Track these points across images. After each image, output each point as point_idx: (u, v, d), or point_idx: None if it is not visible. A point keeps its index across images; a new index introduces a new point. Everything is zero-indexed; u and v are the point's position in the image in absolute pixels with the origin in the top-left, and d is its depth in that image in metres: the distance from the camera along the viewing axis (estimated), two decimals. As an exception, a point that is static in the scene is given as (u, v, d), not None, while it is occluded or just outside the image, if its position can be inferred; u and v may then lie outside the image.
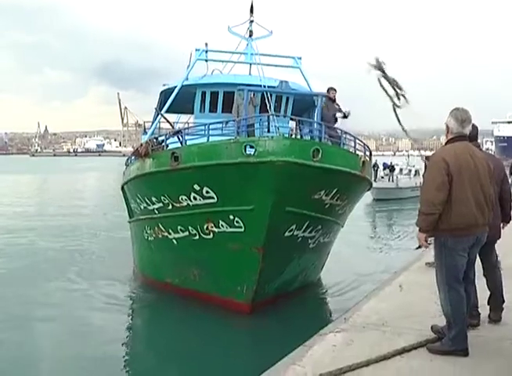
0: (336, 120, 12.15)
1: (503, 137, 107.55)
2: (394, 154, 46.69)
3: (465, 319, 5.17)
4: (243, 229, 9.56)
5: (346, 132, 11.05)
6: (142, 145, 11.09)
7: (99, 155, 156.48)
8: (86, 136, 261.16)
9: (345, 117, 12.26)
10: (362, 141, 11.80)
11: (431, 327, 5.61)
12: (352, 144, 11.01)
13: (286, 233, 9.81)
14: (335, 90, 12.43)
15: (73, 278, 13.41)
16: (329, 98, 12.19)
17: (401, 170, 39.19)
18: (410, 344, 5.31)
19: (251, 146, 9.05)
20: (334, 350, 5.40)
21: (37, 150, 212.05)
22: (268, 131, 11.16)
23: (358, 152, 11.02)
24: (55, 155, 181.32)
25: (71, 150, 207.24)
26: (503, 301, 6.18)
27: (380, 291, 7.98)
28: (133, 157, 12.50)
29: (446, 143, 5.39)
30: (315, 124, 11.49)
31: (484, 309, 6.02)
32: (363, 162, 10.62)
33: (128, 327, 10.27)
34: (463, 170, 5.07)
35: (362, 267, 14.39)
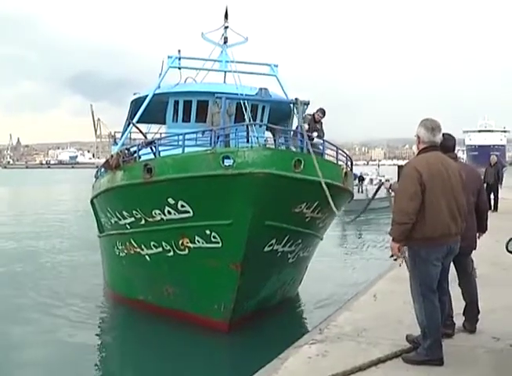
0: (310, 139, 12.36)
1: (474, 146, 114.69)
2: (368, 164, 47.35)
3: (439, 329, 5.50)
4: (220, 245, 9.60)
5: (328, 142, 11.23)
6: (112, 156, 11.13)
7: (73, 167, 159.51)
8: (59, 148, 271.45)
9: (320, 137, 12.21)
10: (343, 151, 11.99)
11: (406, 337, 5.94)
12: (333, 154, 11.17)
13: (266, 248, 9.89)
14: (323, 113, 12.67)
15: (38, 297, 13.46)
16: (314, 118, 12.45)
17: (371, 180, 39.60)
18: (385, 354, 5.63)
19: (229, 157, 9.06)
20: (309, 362, 5.69)
21: (9, 162, 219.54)
22: (248, 141, 11.26)
23: (339, 162, 11.18)
24: (27, 167, 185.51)
25: (44, 162, 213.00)
26: (479, 312, 6.50)
27: (354, 302, 8.33)
28: (103, 169, 12.54)
29: (418, 153, 5.73)
30: (295, 134, 11.50)
31: (458, 318, 6.36)
32: (345, 173, 10.80)
33: (99, 347, 10.33)
34: (436, 179, 5.40)
35: (338, 279, 14.83)
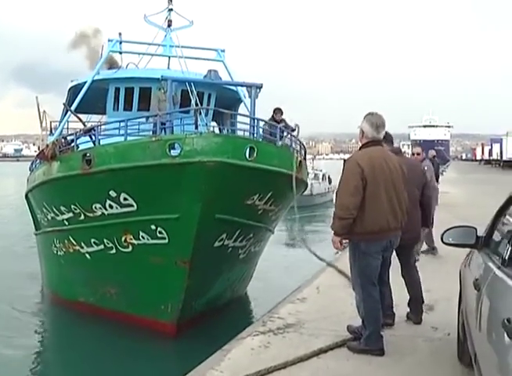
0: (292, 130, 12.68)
1: (419, 140, 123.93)
2: (315, 158, 47.97)
3: (379, 320, 6.17)
4: (166, 241, 9.73)
5: (282, 128, 11.42)
6: (48, 146, 11.13)
7: (18, 160, 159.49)
8: (3, 141, 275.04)
9: (293, 130, 12.73)
10: (297, 138, 12.29)
11: (347, 328, 6.64)
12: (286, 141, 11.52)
13: (216, 244, 10.08)
14: (281, 112, 13.14)
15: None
16: (275, 120, 12.85)
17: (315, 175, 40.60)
18: (327, 345, 6.29)
19: (176, 145, 9.06)
20: (252, 353, 6.30)
21: None
22: (196, 128, 11.23)
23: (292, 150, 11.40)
24: None
25: None
26: (423, 303, 7.25)
27: (297, 294, 8.99)
28: (38, 161, 12.65)
29: (361, 148, 6.35)
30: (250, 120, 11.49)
31: (398, 309, 7.11)
32: (300, 162, 11.07)
33: (36, 353, 10.60)
34: (378, 174, 6.00)
35: (284, 274, 15.53)
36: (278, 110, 13.14)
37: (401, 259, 7.21)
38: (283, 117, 13.33)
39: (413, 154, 12.71)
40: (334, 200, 6.24)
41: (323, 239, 21.04)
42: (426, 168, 12.23)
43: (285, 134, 11.78)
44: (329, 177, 42.65)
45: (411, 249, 7.33)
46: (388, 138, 7.02)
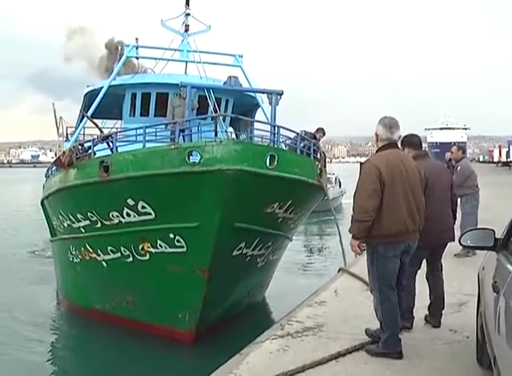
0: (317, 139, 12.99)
1: (436, 143, 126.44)
2: (331, 161, 48.10)
3: (397, 323, 6.37)
4: (185, 250, 9.81)
5: (302, 136, 11.54)
6: (64, 153, 11.27)
7: (35, 166, 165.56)
8: (21, 147, 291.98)
9: (314, 138, 12.94)
10: (318, 146, 12.46)
11: (365, 331, 6.84)
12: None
13: (235, 252, 10.17)
14: (323, 133, 13.38)
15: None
16: (314, 137, 13.07)
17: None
18: (345, 348, 6.50)
19: (196, 153, 9.12)
20: (270, 357, 6.52)
21: None
22: (216, 135, 11.45)
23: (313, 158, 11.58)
24: None
25: (5, 162, 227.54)
26: (443, 307, 7.40)
27: (315, 297, 9.20)
28: (54, 168, 12.84)
29: (377, 151, 6.57)
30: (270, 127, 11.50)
31: (417, 312, 7.29)
32: (320, 170, 11.17)
33: (52, 361, 10.82)
34: (395, 177, 6.20)
35: (303, 278, 15.84)
36: (320, 130, 13.30)
37: (430, 260, 7.41)
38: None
39: (452, 153, 12.99)
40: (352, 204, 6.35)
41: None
42: (459, 168, 12.50)
43: (306, 142, 11.81)
44: (339, 180, 42.69)
45: (443, 250, 7.53)
46: (416, 141, 7.40)
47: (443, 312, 7.40)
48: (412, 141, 7.49)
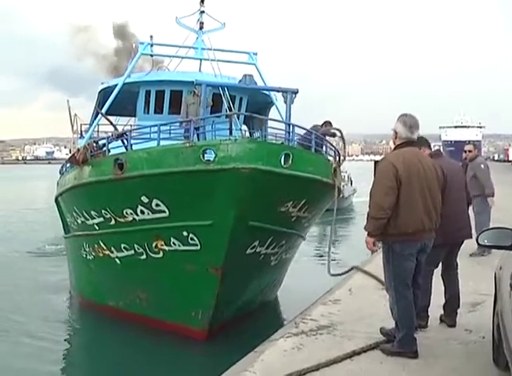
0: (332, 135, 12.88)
1: (450, 141, 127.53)
2: (344, 159, 47.43)
3: (413, 323, 6.39)
4: (198, 248, 9.85)
5: (317, 134, 11.52)
6: (78, 150, 11.33)
7: (49, 163, 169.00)
8: (35, 144, 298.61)
9: (333, 135, 12.92)
10: (332, 144, 12.45)
11: (380, 330, 6.86)
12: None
13: (248, 251, 10.22)
14: (331, 125, 13.10)
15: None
16: (333, 134, 12.96)
17: None
18: (360, 347, 6.53)
19: (210, 151, 9.12)
20: (285, 355, 6.56)
21: None
22: (230, 133, 11.33)
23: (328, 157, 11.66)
24: (3, 163, 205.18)
25: (20, 158, 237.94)
26: (459, 306, 7.41)
27: (329, 296, 9.26)
28: (69, 165, 12.94)
29: (395, 148, 6.58)
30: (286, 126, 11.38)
31: (432, 310, 7.30)
32: (335, 169, 11.19)
33: (66, 357, 10.95)
34: (412, 175, 6.22)
35: (317, 277, 15.42)
36: (328, 123, 13.13)
37: (446, 258, 7.42)
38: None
39: (465, 152, 12.95)
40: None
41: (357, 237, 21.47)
42: (483, 166, 12.48)
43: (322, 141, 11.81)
44: (351, 179, 42.72)
45: (459, 249, 7.58)
46: (425, 142, 7.46)
47: (458, 311, 7.41)
48: (427, 141, 7.60)
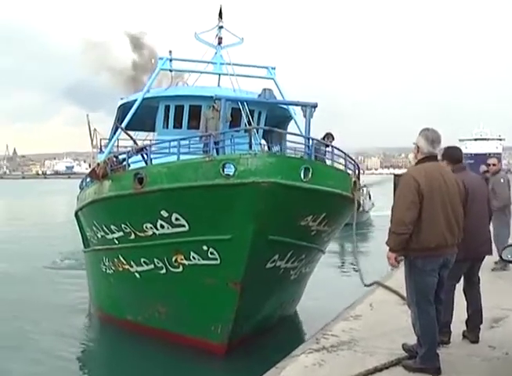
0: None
1: (470, 154, 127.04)
2: (363, 173, 47.40)
3: (436, 339, 6.36)
4: (218, 262, 9.83)
5: (336, 148, 11.52)
6: (98, 165, 11.38)
7: (69, 177, 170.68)
8: (55, 158, 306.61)
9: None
10: (351, 158, 12.30)
11: (402, 346, 6.83)
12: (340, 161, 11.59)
13: (268, 265, 10.18)
14: (333, 137, 13.19)
15: (15, 319, 13.96)
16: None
17: None
18: (382, 363, 6.50)
19: (230, 165, 9.12)
20: (306, 371, 6.56)
21: (5, 173, 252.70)
22: (250, 148, 11.37)
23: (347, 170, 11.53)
24: (23, 178, 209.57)
25: (40, 173, 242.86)
26: (481, 322, 7.34)
27: (351, 311, 9.25)
28: (89, 179, 12.97)
29: (417, 163, 6.57)
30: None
31: (455, 326, 7.26)
32: (354, 182, 11.14)
33: (84, 371, 11.00)
34: (434, 189, 6.22)
35: (336, 292, 15.63)
36: (329, 136, 13.16)
37: (468, 273, 7.39)
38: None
39: (488, 165, 12.90)
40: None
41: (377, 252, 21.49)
42: (502, 181, 12.41)
43: (339, 153, 11.70)
44: (369, 193, 42.58)
45: (481, 263, 7.53)
46: (456, 155, 7.55)
47: (481, 327, 7.35)
48: (453, 155, 7.55)
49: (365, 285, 10.68)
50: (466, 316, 7.37)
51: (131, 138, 13.64)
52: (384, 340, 7.44)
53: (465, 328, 7.39)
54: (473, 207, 6.86)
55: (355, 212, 11.14)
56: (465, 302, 7.39)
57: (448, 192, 6.27)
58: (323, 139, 13.07)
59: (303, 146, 11.12)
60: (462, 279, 7.35)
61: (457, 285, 7.27)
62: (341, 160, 11.63)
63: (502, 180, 12.50)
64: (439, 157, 6.91)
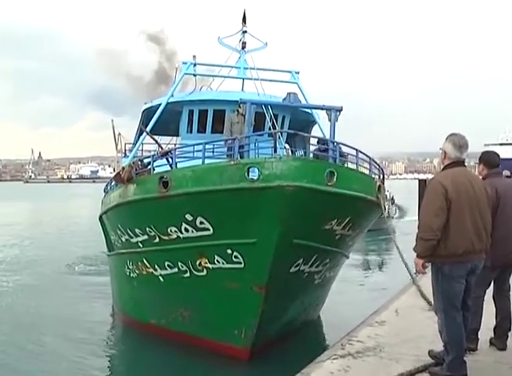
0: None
1: None
2: (388, 178, 47.00)
3: (463, 346, 6.32)
4: (242, 266, 9.83)
5: (361, 152, 11.43)
6: (123, 169, 11.43)
7: (94, 181, 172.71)
8: (80, 162, 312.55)
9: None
10: (376, 162, 12.36)
11: (429, 352, 6.79)
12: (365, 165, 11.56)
13: (292, 269, 10.17)
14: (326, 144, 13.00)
15: (39, 321, 14.20)
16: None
17: None
18: (408, 370, 6.48)
19: (255, 169, 9.14)
20: (332, 377, 6.47)
21: (30, 177, 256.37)
22: (275, 152, 11.43)
23: (372, 174, 11.52)
24: (49, 182, 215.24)
25: (65, 177, 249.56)
26: (510, 329, 7.26)
27: (376, 317, 9.22)
28: (113, 183, 13.11)
29: (444, 168, 6.53)
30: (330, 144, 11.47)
31: (482, 333, 7.20)
32: (379, 186, 11.06)
33: (107, 375, 11.05)
34: (462, 195, 6.18)
35: (361, 297, 15.70)
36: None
37: (498, 280, 7.34)
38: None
39: None
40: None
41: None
42: None
43: (364, 157, 11.68)
44: (392, 197, 42.34)
45: (511, 270, 7.44)
46: (493, 161, 7.47)
47: (509, 334, 7.27)
48: (490, 159, 7.50)
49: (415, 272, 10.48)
50: (493, 324, 7.31)
51: (156, 142, 13.68)
52: (409, 346, 7.42)
53: (492, 335, 7.33)
54: (504, 213, 6.80)
55: (388, 210, 11.06)
56: (493, 309, 7.33)
57: (476, 197, 6.23)
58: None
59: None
60: (492, 285, 7.28)
61: (487, 292, 7.21)
62: (366, 165, 11.60)
63: None
64: (476, 161, 6.83)
